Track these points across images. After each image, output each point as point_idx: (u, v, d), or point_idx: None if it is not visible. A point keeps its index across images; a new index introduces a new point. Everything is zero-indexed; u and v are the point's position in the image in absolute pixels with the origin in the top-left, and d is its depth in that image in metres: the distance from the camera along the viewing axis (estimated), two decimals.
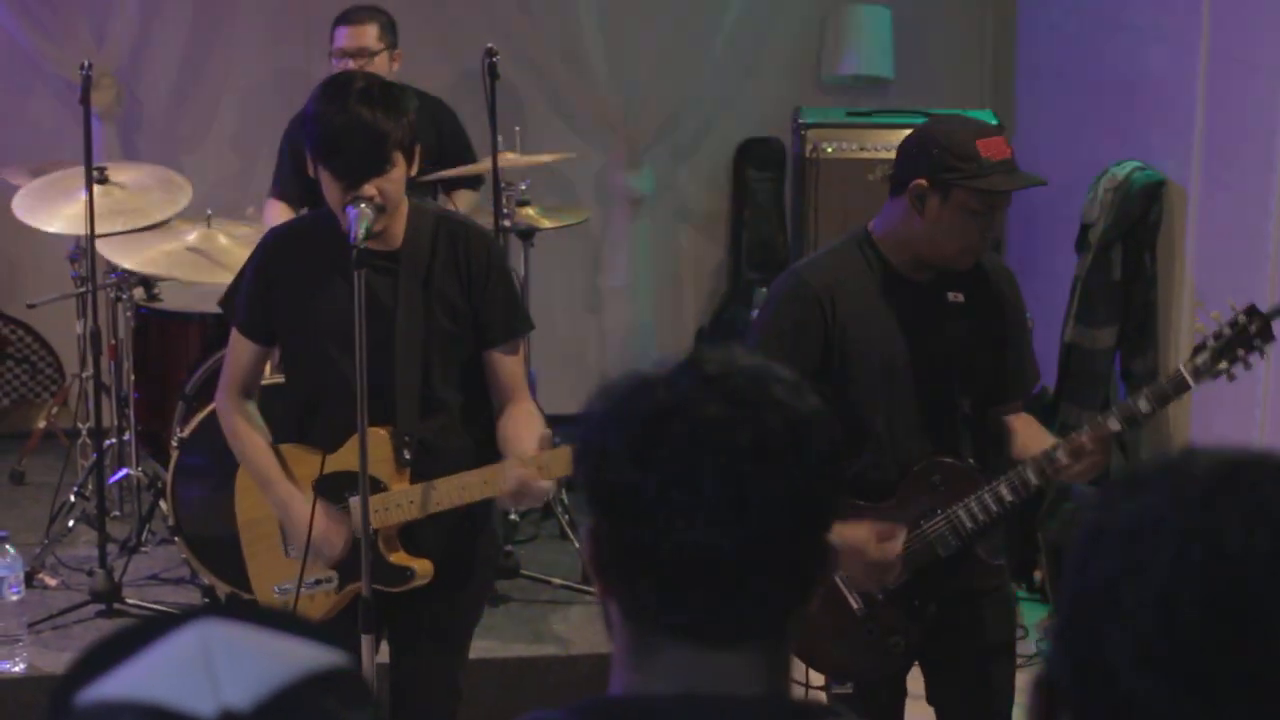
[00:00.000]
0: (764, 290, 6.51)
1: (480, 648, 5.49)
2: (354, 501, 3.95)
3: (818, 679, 4.26)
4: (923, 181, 3.76)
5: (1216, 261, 5.54)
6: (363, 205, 3.79)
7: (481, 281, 3.99)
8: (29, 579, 5.68)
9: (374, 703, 1.19)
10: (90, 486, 6.12)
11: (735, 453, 1.57)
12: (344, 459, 3.96)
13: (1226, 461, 1.30)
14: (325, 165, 3.84)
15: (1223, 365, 3.79)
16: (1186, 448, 1.33)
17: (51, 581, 5.90)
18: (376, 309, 3.85)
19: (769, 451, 1.58)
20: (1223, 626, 1.22)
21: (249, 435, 4.08)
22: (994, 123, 4.03)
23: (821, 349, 3.85)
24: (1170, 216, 5.80)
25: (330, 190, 3.86)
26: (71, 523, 6.18)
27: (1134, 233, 5.84)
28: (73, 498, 6.23)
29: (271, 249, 4.08)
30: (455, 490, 3.95)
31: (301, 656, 1.16)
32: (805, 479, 1.60)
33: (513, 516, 6.14)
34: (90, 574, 5.77)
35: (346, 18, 6.32)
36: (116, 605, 5.67)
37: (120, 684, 1.13)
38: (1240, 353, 3.79)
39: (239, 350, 4.09)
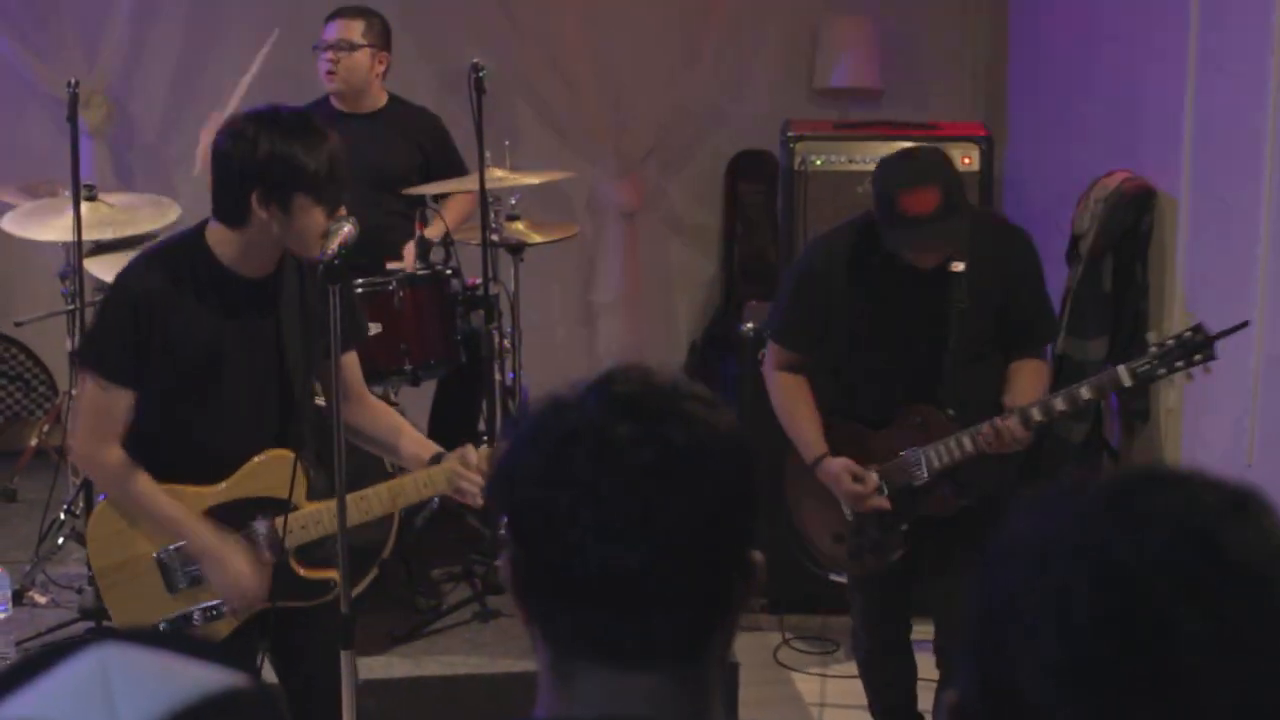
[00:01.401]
0: (755, 303, 6.51)
1: (469, 664, 5.51)
2: (262, 524, 4.05)
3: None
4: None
5: (1207, 271, 5.53)
6: (345, 225, 3.86)
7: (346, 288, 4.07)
8: (18, 597, 5.68)
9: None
10: (80, 504, 6.11)
11: (641, 472, 1.56)
12: (240, 487, 4.03)
13: (1122, 477, 1.34)
14: (316, 196, 3.84)
15: (1160, 372, 4.37)
16: (1097, 470, 1.36)
17: (41, 599, 5.90)
18: (261, 339, 3.95)
19: (675, 470, 1.57)
20: (1116, 635, 1.25)
21: (148, 484, 4.01)
22: (932, 167, 4.43)
23: (824, 309, 4.61)
24: (1160, 227, 5.80)
25: (311, 219, 3.86)
26: (61, 540, 6.17)
27: (1124, 243, 5.83)
28: (63, 515, 6.22)
29: (145, 292, 3.94)
30: (388, 498, 4.11)
31: (200, 678, 1.17)
32: (714, 497, 1.59)
33: (503, 532, 6.12)
34: (79, 591, 5.77)
35: (337, 12, 6.48)
36: (105, 623, 5.65)
37: (18, 707, 1.14)
38: (1179, 364, 4.34)
39: (113, 403, 3.96)
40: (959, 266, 4.47)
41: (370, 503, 4.08)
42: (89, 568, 5.68)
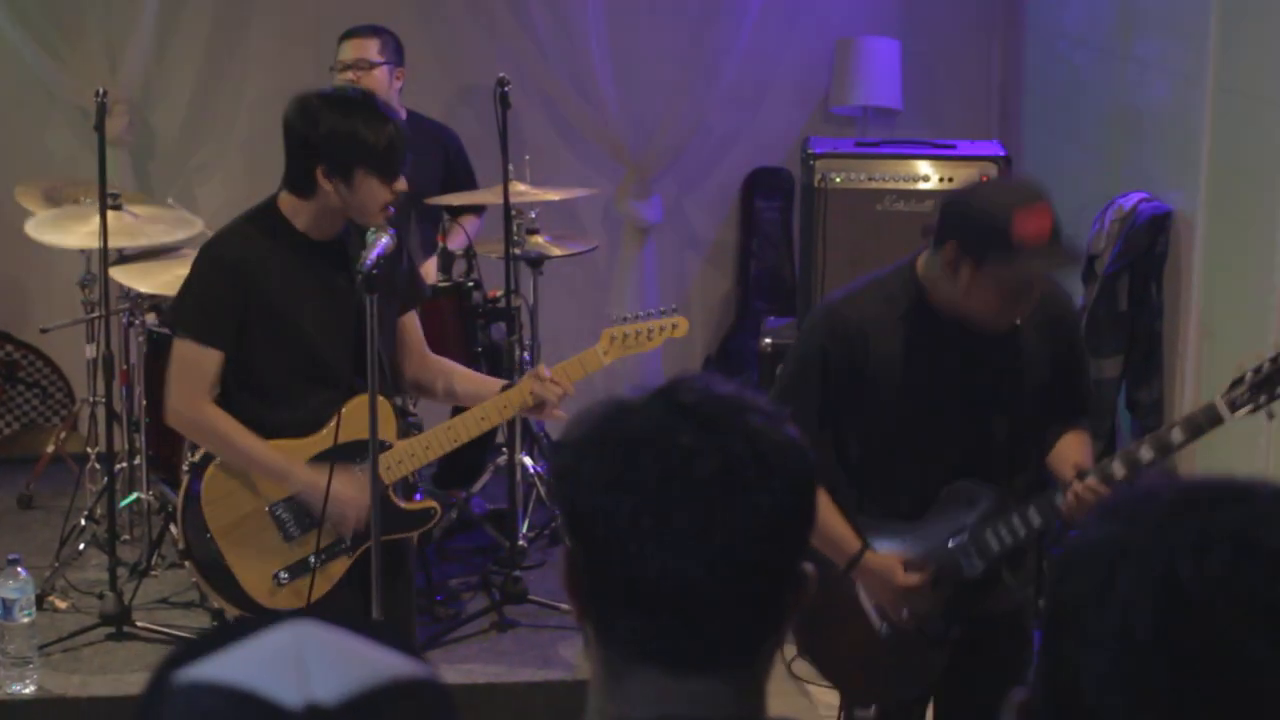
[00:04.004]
0: (771, 319, 6.55)
1: (489, 673, 5.54)
2: (363, 466, 4.30)
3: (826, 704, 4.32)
4: (957, 245, 3.72)
5: (1223, 292, 5.56)
6: (384, 236, 3.99)
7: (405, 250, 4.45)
8: (39, 602, 5.72)
9: (455, 715, 1.23)
10: (100, 510, 6.15)
11: (703, 481, 1.59)
12: (337, 434, 4.28)
13: (1187, 488, 1.35)
14: (376, 170, 4.21)
15: (1261, 399, 3.68)
16: (1160, 475, 1.38)
17: (62, 604, 5.94)
18: (339, 296, 4.23)
19: (737, 480, 1.60)
20: (1178, 654, 1.27)
21: (245, 433, 4.32)
22: (1036, 186, 3.81)
23: (851, 382, 3.87)
24: (1177, 247, 5.83)
25: (371, 191, 4.22)
26: (82, 546, 6.21)
27: (1140, 263, 5.86)
28: (83, 521, 6.26)
29: (237, 260, 4.27)
30: (475, 423, 4.46)
31: (388, 664, 1.22)
32: (774, 508, 1.62)
33: (520, 543, 6.17)
34: (100, 597, 5.81)
35: (351, 32, 6.50)
36: (126, 628, 5.70)
37: (215, 668, 1.19)
38: (1279, 389, 3.68)
39: (206, 363, 4.27)
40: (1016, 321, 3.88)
41: (458, 430, 4.47)
42: (110, 570, 5.76)
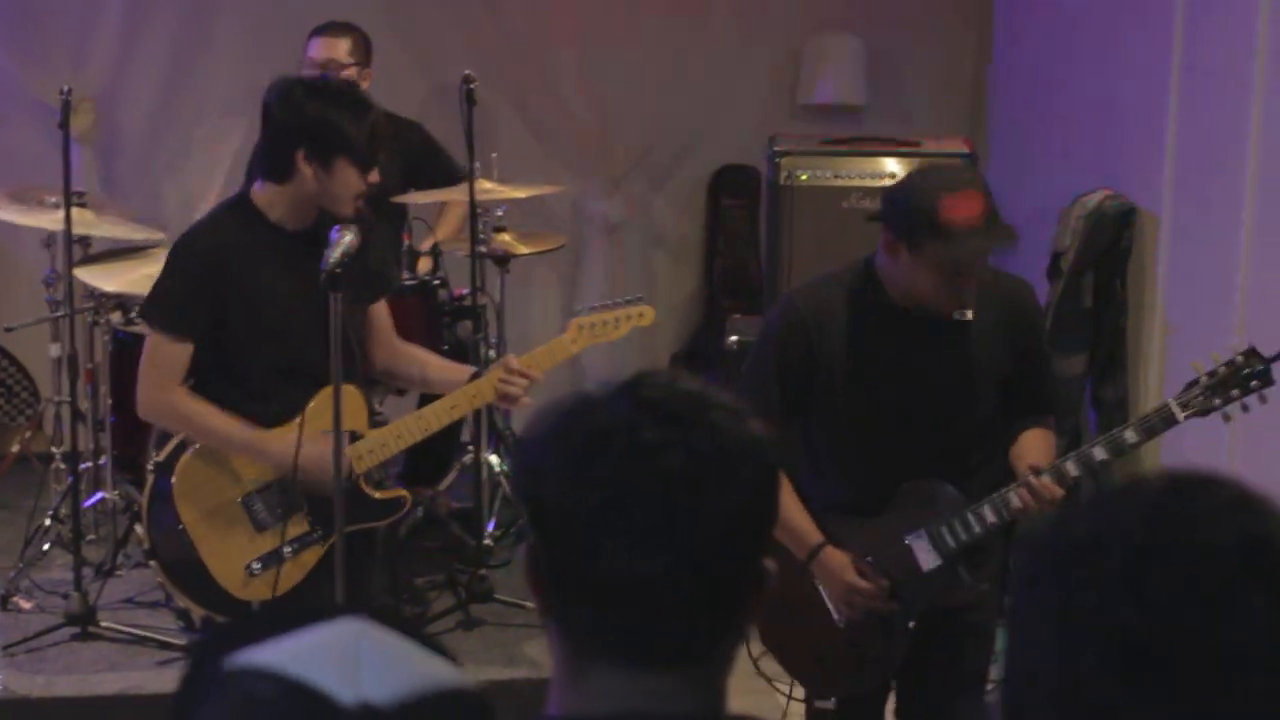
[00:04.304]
0: (738, 317, 6.55)
1: None
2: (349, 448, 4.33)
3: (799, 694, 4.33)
4: (891, 230, 3.81)
5: (1187, 288, 5.58)
6: (348, 235, 3.97)
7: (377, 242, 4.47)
8: (3, 602, 5.71)
9: None
10: (65, 510, 6.12)
11: (667, 476, 1.58)
12: (309, 424, 4.27)
13: (1170, 482, 1.38)
14: (355, 159, 4.25)
15: (1215, 403, 3.80)
16: (1133, 474, 1.40)
17: (26, 604, 5.90)
18: (312, 286, 4.12)
19: (700, 476, 1.59)
20: (1193, 613, 1.29)
21: (214, 412, 4.35)
22: (968, 173, 3.87)
23: (806, 373, 3.92)
24: (1141, 244, 5.85)
25: (348, 180, 4.26)
26: (46, 546, 6.18)
27: (1105, 260, 5.88)
28: (48, 521, 6.23)
29: (209, 252, 4.32)
30: (445, 411, 4.49)
31: (437, 671, 1.23)
32: (737, 504, 1.61)
33: (486, 541, 6.16)
34: (65, 597, 5.78)
35: (321, 29, 6.41)
36: (91, 628, 5.67)
37: (270, 655, 1.19)
38: (1234, 393, 3.79)
39: (175, 355, 4.31)
40: (969, 315, 3.88)
41: (428, 420, 4.51)
42: (74, 570, 5.73)
